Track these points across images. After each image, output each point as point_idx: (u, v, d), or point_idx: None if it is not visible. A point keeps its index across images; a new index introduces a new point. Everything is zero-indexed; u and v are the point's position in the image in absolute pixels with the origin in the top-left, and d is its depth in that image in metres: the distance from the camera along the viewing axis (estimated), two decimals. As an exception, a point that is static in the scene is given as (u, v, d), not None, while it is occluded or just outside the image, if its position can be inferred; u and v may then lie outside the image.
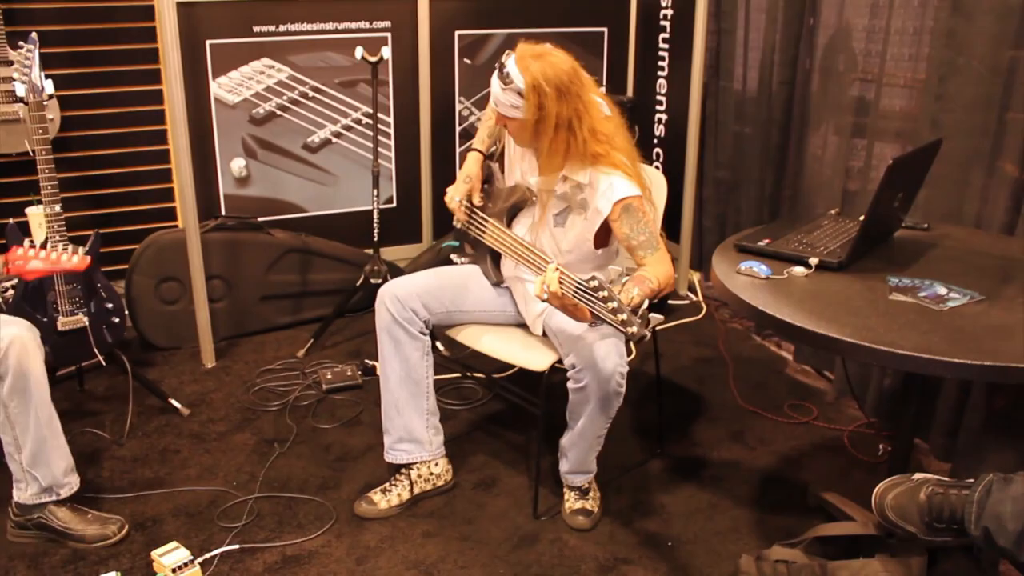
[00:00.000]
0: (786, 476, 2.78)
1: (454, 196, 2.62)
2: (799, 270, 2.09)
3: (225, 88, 3.56)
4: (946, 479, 1.76)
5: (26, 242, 2.66)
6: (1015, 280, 2.07)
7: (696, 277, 4.11)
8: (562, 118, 2.20)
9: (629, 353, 2.40)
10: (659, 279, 2.14)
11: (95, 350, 2.90)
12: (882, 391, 2.96)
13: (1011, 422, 2.50)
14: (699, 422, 3.07)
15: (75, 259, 2.29)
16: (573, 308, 2.02)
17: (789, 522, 2.54)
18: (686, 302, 4.00)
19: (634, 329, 1.85)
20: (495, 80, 2.25)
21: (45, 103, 2.72)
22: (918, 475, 1.81)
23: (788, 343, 3.59)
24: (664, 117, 4.05)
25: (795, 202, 3.42)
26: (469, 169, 2.63)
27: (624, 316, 1.86)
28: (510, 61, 2.21)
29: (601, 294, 1.89)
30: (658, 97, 4.06)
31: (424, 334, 2.50)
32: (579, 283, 1.94)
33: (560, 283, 1.99)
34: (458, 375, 3.26)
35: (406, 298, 2.46)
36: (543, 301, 2.05)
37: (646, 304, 1.92)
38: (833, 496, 2.54)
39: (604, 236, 2.40)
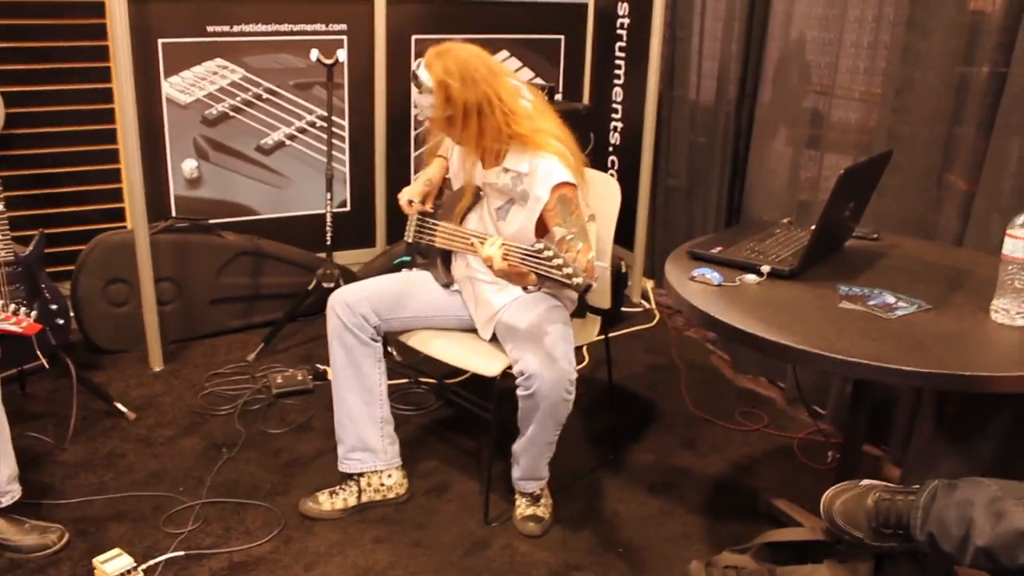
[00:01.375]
0: (737, 483, 2.80)
1: (408, 196, 2.61)
2: (751, 278, 2.11)
3: (177, 88, 3.51)
4: (893, 485, 1.79)
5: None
6: (962, 289, 2.11)
7: (649, 285, 4.13)
8: (470, 104, 2.26)
9: (580, 360, 2.40)
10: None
11: (38, 352, 2.83)
12: (841, 398, 3.00)
13: (960, 429, 2.54)
14: (651, 429, 3.08)
15: (24, 323, 2.29)
16: (519, 277, 2.11)
17: (739, 528, 2.55)
18: (639, 310, 4.02)
19: (579, 280, 1.94)
20: (414, 90, 2.33)
21: (-11, 99, 2.67)
22: (865, 481, 1.83)
23: (725, 353, 3.63)
24: (620, 125, 4.08)
25: (748, 211, 3.46)
26: (431, 173, 2.63)
27: (569, 269, 1.94)
28: (420, 67, 2.30)
29: (546, 253, 1.97)
30: (614, 105, 4.08)
31: (376, 340, 2.48)
32: (526, 249, 2.03)
33: (505, 256, 2.07)
34: (409, 380, 3.23)
35: (355, 304, 2.44)
36: (494, 272, 2.13)
37: (591, 256, 2.01)
38: (783, 503, 2.56)
39: (543, 228, 2.40)
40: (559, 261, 1.94)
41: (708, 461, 2.90)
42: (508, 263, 2.06)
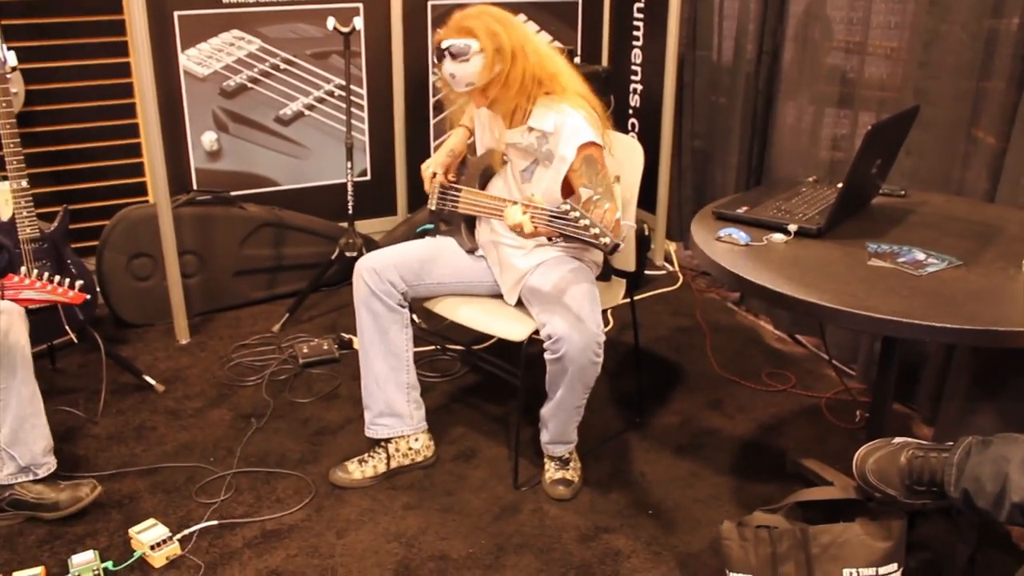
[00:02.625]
0: (765, 443, 2.80)
1: (432, 167, 2.60)
2: (778, 237, 2.09)
3: (194, 60, 3.49)
4: (926, 443, 1.77)
5: (22, 270, 2.72)
6: (993, 245, 2.08)
7: (672, 247, 4.11)
8: (518, 47, 2.27)
9: (605, 323, 2.39)
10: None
11: (66, 327, 2.86)
12: (870, 357, 2.98)
13: (994, 385, 2.52)
14: (678, 391, 3.08)
15: (71, 293, 2.31)
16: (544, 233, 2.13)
17: (769, 489, 2.56)
18: (663, 272, 4.00)
19: (607, 240, 1.94)
20: (451, 67, 2.25)
21: (8, 76, 2.66)
22: (898, 439, 1.82)
23: (766, 314, 3.61)
24: (639, 88, 4.03)
25: (771, 171, 3.42)
26: (453, 143, 2.62)
27: (596, 229, 1.94)
28: (451, 41, 2.24)
29: (573, 214, 1.96)
30: (633, 67, 4.04)
31: (403, 306, 2.48)
32: (552, 211, 2.04)
33: (532, 219, 2.09)
34: (435, 347, 3.24)
35: (383, 270, 2.44)
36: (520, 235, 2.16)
37: (617, 215, 2.00)
38: (812, 462, 2.56)
39: (568, 188, 2.39)
40: (586, 222, 1.93)
41: (735, 422, 2.89)
42: (535, 227, 2.07)
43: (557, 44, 4.02)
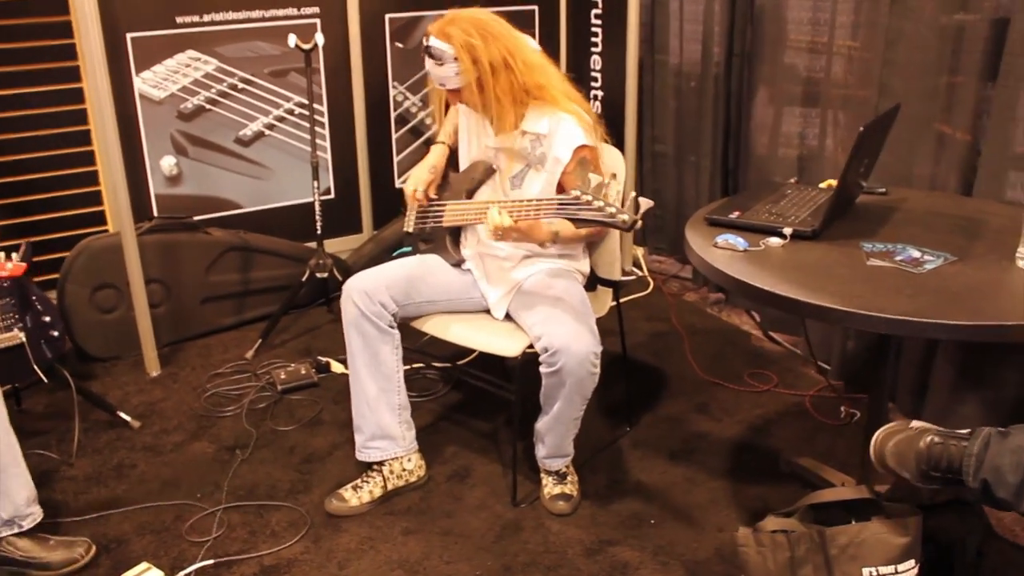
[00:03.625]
0: (755, 444, 2.81)
1: (414, 184, 2.56)
2: (775, 240, 2.10)
3: (150, 83, 3.39)
4: (944, 430, 1.78)
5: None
6: (980, 239, 2.12)
7: (640, 252, 4.11)
8: (496, 59, 2.26)
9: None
10: None
11: (34, 367, 2.74)
12: (845, 354, 3.02)
13: (976, 377, 2.57)
14: (663, 397, 3.08)
15: (9, 265, 2.18)
16: (528, 230, 2.19)
17: (765, 490, 2.57)
18: (632, 278, 4.00)
19: (625, 217, 1.95)
20: (429, 64, 2.30)
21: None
22: (916, 423, 1.83)
23: (746, 314, 3.64)
24: (600, 94, 4.04)
25: (745, 174, 3.45)
26: (434, 160, 2.58)
27: (612, 210, 1.95)
28: (432, 41, 2.28)
29: (584, 198, 1.98)
30: (592, 74, 4.04)
31: (392, 327, 2.44)
32: (561, 199, 2.05)
33: (512, 214, 2.15)
34: (420, 365, 3.19)
35: (374, 292, 2.39)
36: (500, 240, 2.23)
37: (632, 195, 1.99)
38: (807, 461, 2.58)
39: (560, 190, 2.38)
40: (599, 203, 1.94)
41: (723, 425, 2.91)
42: (515, 220, 2.13)
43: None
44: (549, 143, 2.34)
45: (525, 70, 2.29)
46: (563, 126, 2.33)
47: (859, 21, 2.89)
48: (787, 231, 2.11)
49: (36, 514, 2.29)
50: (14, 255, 2.60)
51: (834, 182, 2.50)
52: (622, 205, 1.97)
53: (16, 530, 2.25)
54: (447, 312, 2.55)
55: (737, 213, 2.24)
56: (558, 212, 2.08)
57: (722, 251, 2.08)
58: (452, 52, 2.24)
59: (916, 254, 2.01)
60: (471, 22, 2.26)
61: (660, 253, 4.15)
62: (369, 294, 2.39)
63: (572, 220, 2.08)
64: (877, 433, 1.87)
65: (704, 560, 2.31)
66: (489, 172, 2.48)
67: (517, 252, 2.50)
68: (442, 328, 2.51)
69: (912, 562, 1.86)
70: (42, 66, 3.24)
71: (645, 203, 1.98)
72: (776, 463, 2.67)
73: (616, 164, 2.59)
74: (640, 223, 1.99)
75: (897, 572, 1.85)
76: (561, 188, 2.34)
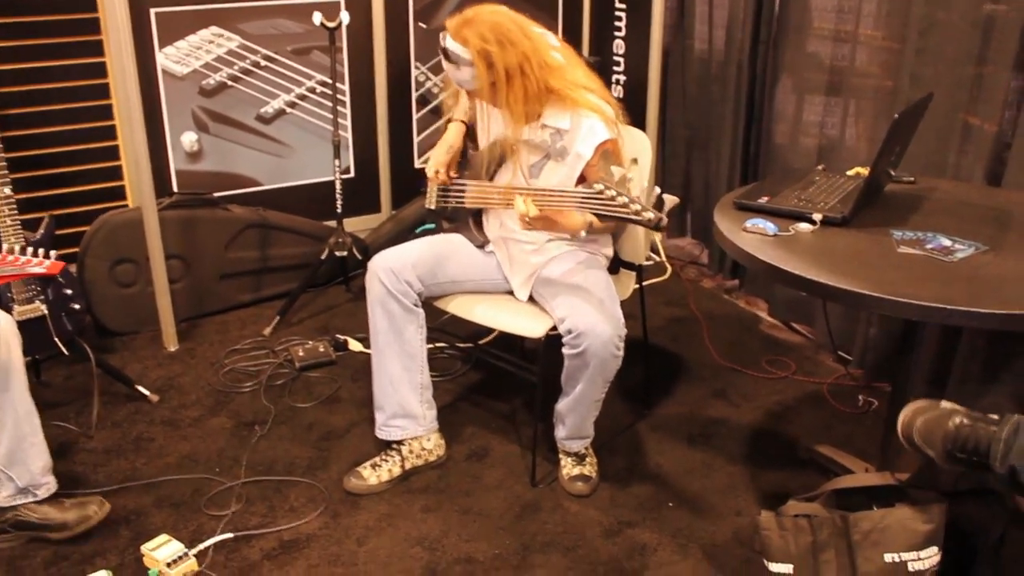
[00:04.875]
0: (773, 431, 2.81)
1: (435, 166, 2.54)
2: (804, 226, 2.09)
3: (172, 59, 3.39)
4: (974, 412, 1.77)
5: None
6: (1012, 229, 2.11)
7: (658, 237, 4.10)
8: (512, 67, 2.22)
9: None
10: None
11: (55, 340, 2.75)
12: (867, 343, 3.01)
13: (1002, 367, 2.57)
14: (681, 381, 3.08)
15: (47, 263, 2.18)
16: (562, 221, 2.17)
17: (783, 476, 2.57)
18: (650, 263, 3.99)
19: (650, 215, 1.94)
20: (446, 65, 2.27)
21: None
22: (946, 404, 1.81)
23: (765, 301, 3.63)
24: (622, 79, 4.02)
25: (769, 160, 3.43)
26: (451, 139, 2.56)
27: (638, 207, 1.95)
28: (448, 42, 2.23)
29: (608, 193, 1.97)
30: (615, 58, 4.02)
31: (417, 306, 2.44)
32: (585, 192, 2.04)
33: (537, 204, 2.13)
34: (443, 345, 3.18)
35: (401, 270, 2.39)
36: (530, 229, 2.22)
37: (656, 191, 1.96)
38: (825, 448, 2.58)
39: (582, 182, 2.37)
40: (624, 199, 1.93)
41: (742, 411, 2.90)
42: (540, 210, 2.12)
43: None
44: (571, 139, 2.33)
45: (541, 74, 2.25)
46: (585, 123, 2.30)
47: (886, 10, 2.87)
48: (817, 217, 2.10)
49: (51, 484, 2.31)
50: (52, 252, 2.57)
51: (862, 169, 2.49)
52: (646, 188, 1.96)
53: (31, 499, 2.27)
54: (471, 292, 2.55)
55: (766, 198, 2.23)
56: (581, 205, 2.06)
57: (752, 235, 2.07)
58: (468, 58, 2.20)
59: (947, 243, 2.00)
60: (488, 26, 2.20)
61: (683, 237, 4.15)
62: (396, 272, 2.39)
63: (596, 215, 2.07)
64: (905, 409, 1.85)
65: (722, 543, 2.31)
66: (507, 151, 2.47)
67: (540, 236, 2.50)
68: (466, 308, 2.51)
69: (935, 549, 1.86)
70: (65, 39, 3.23)
71: (670, 200, 1.98)
72: (794, 450, 2.67)
73: (641, 147, 2.58)
74: (666, 221, 1.98)
75: (920, 558, 1.85)
76: (582, 180, 2.33)
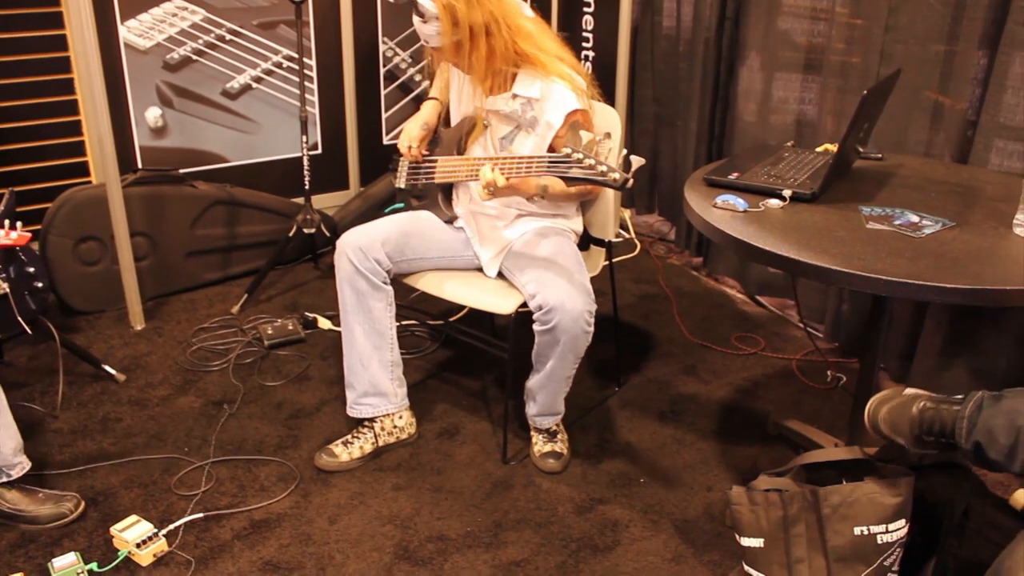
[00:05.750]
0: (743, 406, 2.83)
1: (408, 141, 2.52)
2: (774, 202, 2.09)
3: (135, 32, 3.32)
4: (936, 395, 1.80)
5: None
6: (977, 206, 2.12)
7: (627, 214, 4.11)
8: (477, 24, 2.20)
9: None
10: None
11: (18, 319, 2.70)
12: (838, 318, 3.04)
13: (964, 343, 2.60)
14: (651, 358, 3.09)
15: (13, 235, 2.13)
16: (516, 185, 2.19)
17: (752, 451, 2.59)
18: (619, 240, 4.00)
19: (616, 175, 1.93)
20: (415, 20, 2.25)
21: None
22: (909, 390, 1.85)
23: (733, 277, 3.65)
24: (591, 55, 4.00)
25: (737, 137, 3.43)
26: (426, 116, 2.54)
27: (604, 167, 1.94)
28: None
29: (576, 156, 1.97)
30: (584, 34, 4.00)
31: (387, 284, 2.42)
32: (552, 157, 2.05)
33: (506, 174, 2.13)
34: (412, 323, 3.17)
35: (368, 247, 2.37)
36: (490, 199, 2.19)
37: (623, 152, 1.98)
38: (794, 423, 2.60)
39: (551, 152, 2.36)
40: (590, 161, 1.93)
41: (711, 387, 2.92)
42: (507, 179, 2.11)
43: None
44: (541, 108, 2.32)
45: (510, 37, 2.23)
46: (555, 91, 2.29)
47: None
48: (786, 193, 2.11)
49: (24, 463, 2.27)
50: (18, 224, 2.52)
51: (831, 146, 2.50)
52: (616, 164, 1.95)
53: (4, 479, 2.24)
54: (440, 269, 2.53)
55: (736, 175, 2.24)
56: (549, 170, 2.06)
57: (722, 211, 2.07)
58: (434, 11, 2.18)
59: (914, 219, 2.01)
60: None
61: (651, 214, 4.15)
62: (364, 250, 2.37)
63: (563, 178, 2.06)
64: (871, 401, 1.88)
65: (693, 519, 2.33)
66: (477, 123, 2.45)
67: (509, 211, 2.49)
68: (435, 285, 2.49)
69: (903, 521, 1.88)
70: (24, 10, 3.16)
71: (637, 161, 1.96)
72: (764, 425, 2.69)
73: (611, 123, 2.57)
74: (632, 181, 1.98)
75: (888, 531, 1.87)
76: (552, 151, 2.32)
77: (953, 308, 2.59)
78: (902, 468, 1.91)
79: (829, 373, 2.95)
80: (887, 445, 2.04)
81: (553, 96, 2.29)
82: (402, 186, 2.60)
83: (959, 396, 1.77)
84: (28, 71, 3.23)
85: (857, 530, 1.88)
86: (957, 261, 1.82)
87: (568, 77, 2.30)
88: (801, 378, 2.96)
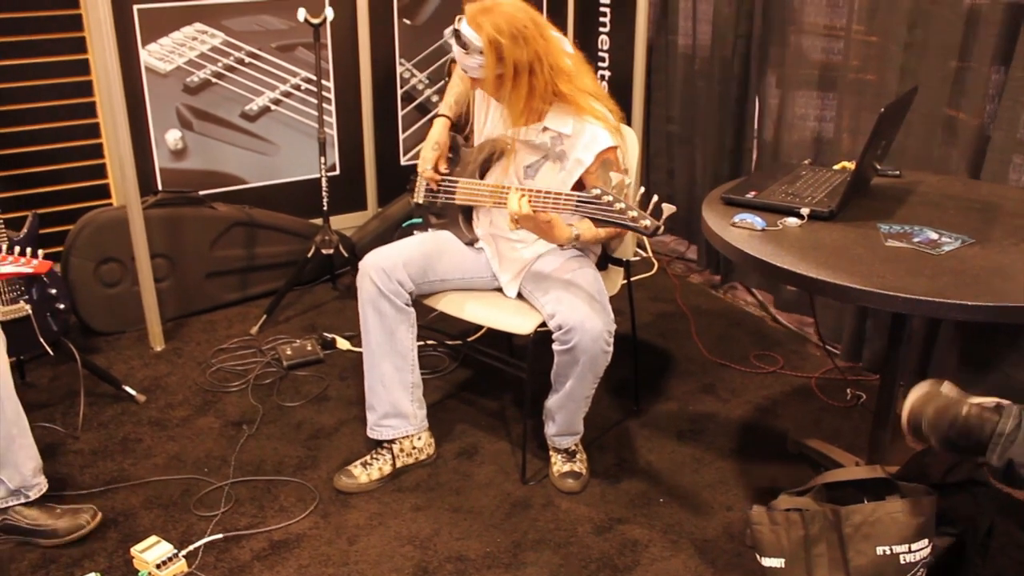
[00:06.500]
0: (762, 425, 2.82)
1: (425, 164, 2.53)
2: (792, 221, 2.09)
3: (156, 56, 3.36)
4: (984, 399, 1.76)
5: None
6: (996, 223, 2.12)
7: (644, 233, 4.11)
8: (521, 63, 2.21)
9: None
10: None
11: (40, 340, 2.73)
12: (856, 335, 3.02)
13: (980, 360, 2.58)
14: (670, 377, 3.08)
15: (34, 262, 2.17)
16: (547, 226, 2.13)
17: (772, 470, 2.58)
18: (636, 259, 4.00)
19: (647, 223, 1.93)
20: (455, 48, 2.25)
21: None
22: (946, 387, 1.79)
23: (751, 295, 3.64)
24: (607, 74, 4.02)
25: (756, 155, 3.43)
26: (437, 135, 2.55)
27: (635, 213, 1.93)
28: (463, 26, 2.21)
29: (606, 199, 1.96)
30: (600, 54, 4.02)
31: (409, 306, 2.42)
32: (581, 196, 2.03)
33: (530, 203, 2.10)
34: (432, 343, 3.18)
35: (392, 269, 2.37)
36: (519, 228, 2.17)
37: (654, 200, 1.97)
38: (815, 442, 2.59)
39: (579, 187, 2.37)
40: (621, 205, 1.92)
41: (730, 406, 2.91)
42: (534, 210, 2.09)
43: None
44: (572, 144, 2.33)
45: (551, 76, 2.24)
46: (587, 130, 2.30)
47: (872, 5, 2.87)
48: (804, 211, 2.11)
49: (42, 484, 2.29)
50: (40, 252, 2.53)
51: (848, 164, 2.50)
52: (636, 201, 1.95)
53: (23, 500, 2.25)
54: (460, 290, 2.54)
55: (753, 193, 2.24)
56: (577, 209, 2.05)
57: (740, 230, 2.07)
58: (479, 45, 2.18)
59: (934, 236, 2.01)
60: (505, 18, 2.18)
61: (667, 234, 4.15)
62: (387, 272, 2.38)
63: (592, 219, 2.05)
64: (913, 396, 1.80)
65: (713, 539, 2.32)
66: (502, 149, 2.46)
67: (529, 235, 2.49)
68: (456, 306, 2.50)
69: (925, 541, 1.87)
70: (48, 36, 3.20)
71: (668, 209, 1.95)
72: (783, 444, 2.68)
73: (628, 142, 2.57)
74: (663, 229, 1.97)
75: (911, 551, 1.86)
76: (579, 186, 2.33)
77: (972, 325, 2.57)
78: (924, 487, 1.90)
79: (849, 391, 2.94)
80: (908, 463, 2.03)
81: (585, 134, 2.30)
82: (420, 201, 2.61)
83: (992, 403, 1.71)
84: (51, 95, 3.27)
85: (880, 550, 1.87)
86: (978, 278, 1.81)
87: (602, 116, 2.31)
88: (820, 396, 2.95)
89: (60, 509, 2.31)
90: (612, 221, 1.98)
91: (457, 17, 2.24)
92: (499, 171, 2.48)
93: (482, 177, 2.51)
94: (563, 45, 2.35)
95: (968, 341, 2.62)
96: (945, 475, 2.00)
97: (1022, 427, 1.65)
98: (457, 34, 2.22)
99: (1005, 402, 1.71)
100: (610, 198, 1.94)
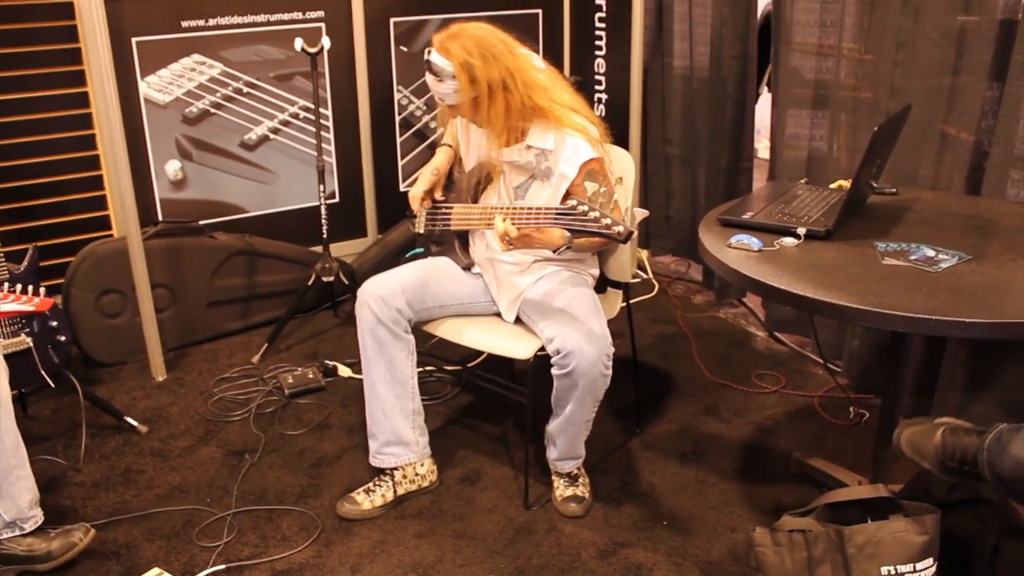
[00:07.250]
0: (765, 446, 2.81)
1: (418, 186, 2.54)
2: (789, 240, 2.10)
3: (155, 87, 3.39)
4: (963, 423, 1.79)
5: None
6: (993, 238, 2.12)
7: (645, 255, 4.12)
8: (495, 81, 2.23)
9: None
10: None
11: (41, 372, 2.73)
12: (855, 354, 3.02)
13: (987, 376, 2.58)
14: (672, 398, 3.07)
15: (36, 300, 2.19)
16: (540, 237, 2.18)
17: (776, 491, 2.57)
18: (637, 280, 4.00)
19: (620, 228, 1.96)
20: (429, 78, 2.28)
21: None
22: (940, 419, 1.83)
23: (751, 315, 3.64)
24: (604, 97, 4.04)
25: (749, 176, 3.45)
26: (437, 162, 2.57)
27: (608, 220, 1.96)
28: (433, 56, 2.25)
29: (581, 208, 1.99)
30: (597, 77, 4.04)
31: (408, 333, 2.43)
32: (558, 209, 2.06)
33: (515, 223, 2.13)
34: (431, 368, 3.18)
35: (390, 297, 2.38)
36: (511, 250, 2.21)
37: (626, 206, 2.00)
38: (818, 461, 2.58)
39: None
40: (595, 214, 1.96)
41: (733, 426, 2.90)
42: (519, 229, 2.12)
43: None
44: (555, 159, 2.34)
45: (525, 91, 2.26)
46: (568, 143, 2.31)
47: (864, 23, 2.89)
48: (801, 231, 2.11)
49: (38, 517, 2.29)
50: (42, 290, 2.54)
51: (844, 182, 2.50)
52: (628, 208, 1.98)
53: (18, 532, 2.25)
54: (459, 315, 2.54)
55: (750, 213, 2.24)
56: (556, 221, 2.07)
57: (736, 251, 2.07)
58: (451, 70, 2.21)
59: (931, 253, 2.01)
60: (473, 40, 2.22)
61: (667, 255, 4.16)
62: (385, 300, 2.38)
63: (570, 230, 2.07)
64: (900, 427, 1.87)
65: (717, 561, 2.30)
66: (490, 172, 2.47)
67: (526, 258, 2.50)
68: (455, 332, 2.50)
69: (930, 560, 1.86)
70: (47, 70, 3.23)
71: (640, 213, 2.00)
72: (787, 464, 2.67)
73: (625, 166, 2.59)
74: (635, 233, 2.01)
75: (916, 570, 1.85)
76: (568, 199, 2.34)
77: (972, 342, 2.57)
78: (928, 506, 1.89)
79: (851, 410, 2.93)
80: (912, 482, 2.03)
81: (567, 147, 2.31)
82: (422, 231, 2.62)
83: (981, 429, 1.76)
84: (51, 128, 3.29)
85: (884, 570, 1.86)
86: (976, 295, 1.81)
87: (582, 128, 2.32)
88: (823, 415, 2.94)
89: (53, 532, 2.30)
90: (586, 230, 2.00)
91: (426, 48, 2.27)
92: (491, 194, 2.50)
93: (475, 201, 2.52)
94: (534, 61, 2.36)
95: (971, 358, 2.61)
96: (949, 493, 2.00)
97: (1002, 440, 1.66)
98: (429, 64, 2.24)
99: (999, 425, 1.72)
100: (584, 207, 1.97)
